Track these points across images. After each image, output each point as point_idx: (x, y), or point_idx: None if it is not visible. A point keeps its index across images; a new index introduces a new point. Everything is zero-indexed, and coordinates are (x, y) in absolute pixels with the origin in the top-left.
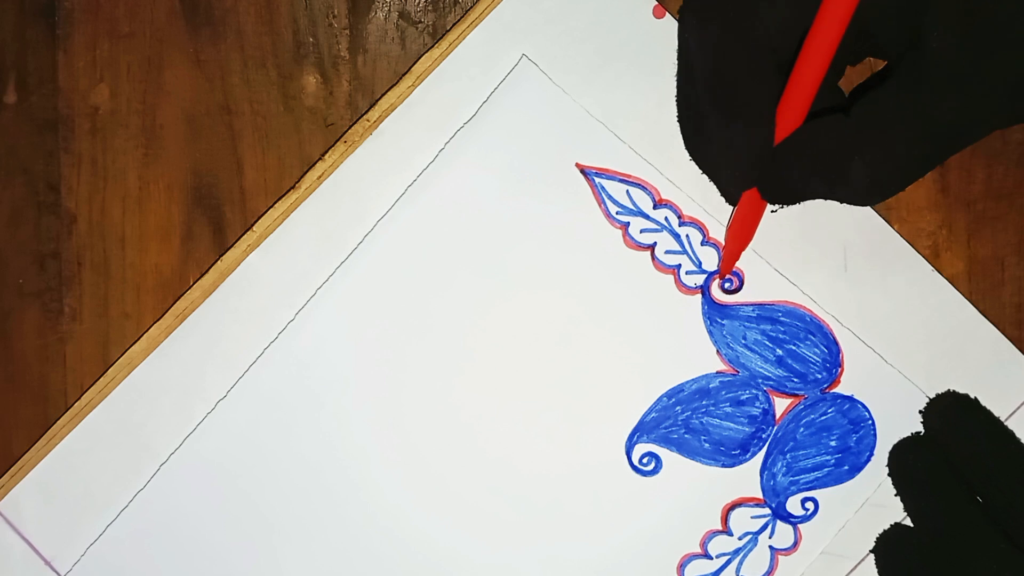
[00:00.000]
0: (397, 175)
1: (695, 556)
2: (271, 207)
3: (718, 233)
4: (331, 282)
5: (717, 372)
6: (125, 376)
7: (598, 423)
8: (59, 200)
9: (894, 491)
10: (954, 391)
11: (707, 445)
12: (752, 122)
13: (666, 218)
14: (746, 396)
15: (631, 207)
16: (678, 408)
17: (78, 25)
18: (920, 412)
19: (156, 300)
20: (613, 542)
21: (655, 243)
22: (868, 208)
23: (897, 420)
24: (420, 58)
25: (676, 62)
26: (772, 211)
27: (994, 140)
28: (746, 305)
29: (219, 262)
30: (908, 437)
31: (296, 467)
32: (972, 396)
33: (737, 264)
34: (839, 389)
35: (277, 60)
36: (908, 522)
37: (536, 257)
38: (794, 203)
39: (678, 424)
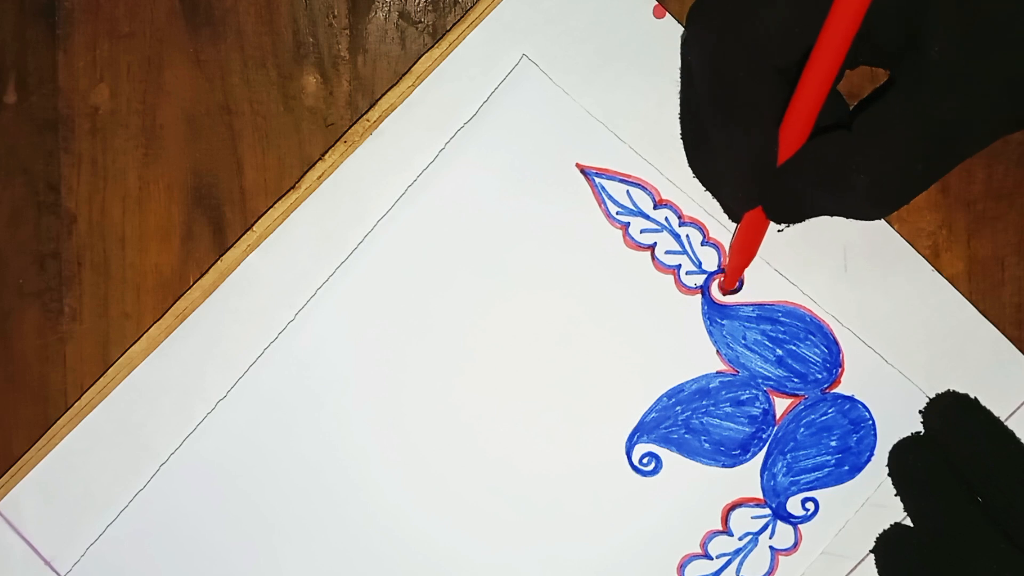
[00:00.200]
0: (397, 175)
1: (695, 556)
2: (271, 207)
3: (718, 233)
4: (331, 282)
5: (717, 372)
6: (125, 376)
7: (598, 423)
8: (59, 200)
9: (894, 491)
10: (954, 391)
11: (707, 445)
12: (756, 137)
13: (666, 218)
14: (746, 396)
15: (631, 207)
16: (678, 408)
17: (78, 25)
18: (920, 412)
19: (156, 300)
20: (613, 542)
21: (655, 243)
22: None
23: (897, 420)
24: (420, 58)
25: (678, 62)
26: (779, 230)
27: None
28: (746, 305)
29: (219, 262)
30: (908, 437)
31: (296, 467)
32: (972, 396)
33: None
34: (839, 389)
35: (277, 60)
36: (908, 522)
37: (536, 257)
38: (799, 222)
39: (678, 424)
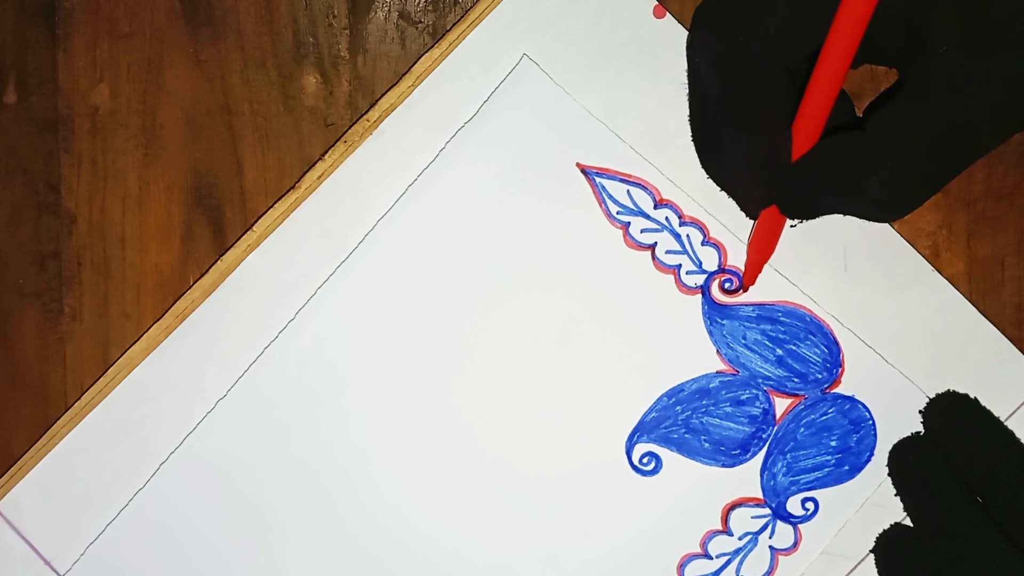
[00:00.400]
0: (397, 175)
1: (695, 556)
2: (271, 207)
3: (719, 233)
4: (331, 282)
5: (717, 372)
6: (125, 376)
7: (598, 423)
8: (59, 200)
9: (894, 491)
10: (954, 391)
11: (707, 445)
12: (768, 136)
13: (667, 218)
14: (746, 396)
15: (632, 207)
16: (678, 408)
17: (78, 25)
18: (920, 412)
19: (156, 300)
20: (613, 542)
21: (655, 243)
22: None
23: (897, 420)
24: (420, 58)
25: (679, 61)
26: (791, 226)
27: None
28: (746, 305)
29: (219, 262)
30: (908, 437)
31: (296, 467)
32: (972, 396)
33: (737, 264)
34: (839, 389)
35: (277, 60)
36: (908, 522)
37: (536, 257)
38: (813, 218)
39: (678, 424)
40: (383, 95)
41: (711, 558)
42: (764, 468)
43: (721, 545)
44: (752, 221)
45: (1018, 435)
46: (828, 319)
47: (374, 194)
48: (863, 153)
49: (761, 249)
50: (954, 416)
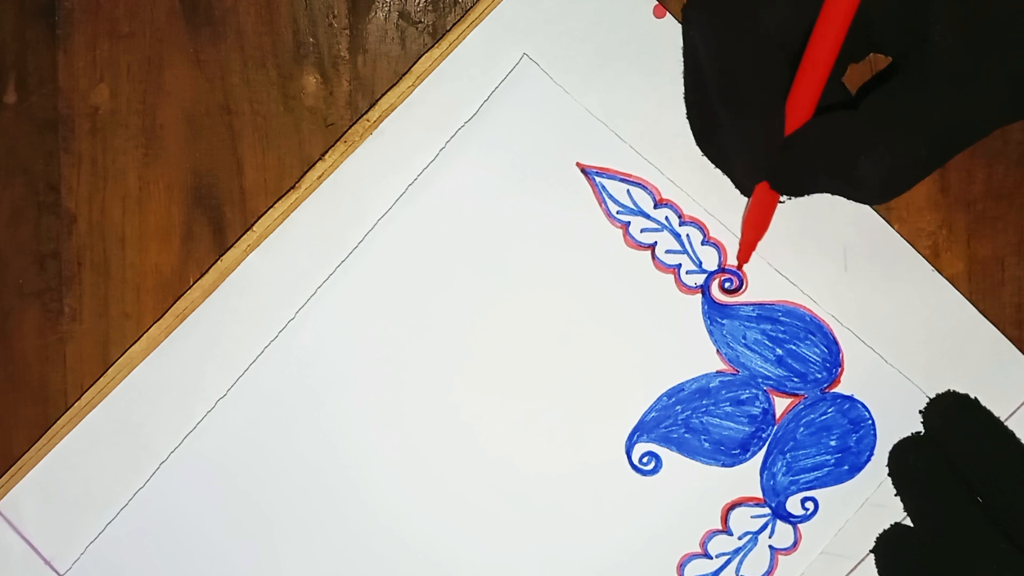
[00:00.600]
0: (397, 175)
1: (695, 556)
2: (271, 207)
3: (718, 233)
4: (331, 282)
5: (717, 372)
6: (125, 376)
7: (598, 423)
8: (59, 200)
9: (894, 491)
10: (954, 391)
11: (707, 445)
12: (762, 113)
13: (667, 218)
14: (746, 396)
15: (632, 206)
16: (678, 408)
17: (78, 25)
18: (920, 412)
19: (156, 300)
20: (613, 542)
21: (655, 243)
22: (868, 208)
23: (897, 420)
24: (420, 58)
25: (679, 61)
26: (781, 202)
27: (994, 140)
28: (746, 305)
29: (219, 262)
30: (908, 437)
31: (296, 467)
32: (972, 396)
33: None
34: (839, 389)
35: (277, 60)
36: (908, 522)
37: (536, 257)
38: (803, 195)
39: (678, 424)
40: (383, 95)
41: (711, 558)
42: (764, 468)
43: (721, 545)
44: (746, 199)
45: (1018, 435)
46: (828, 319)
47: (374, 194)
48: (854, 133)
49: (755, 227)
50: (954, 416)
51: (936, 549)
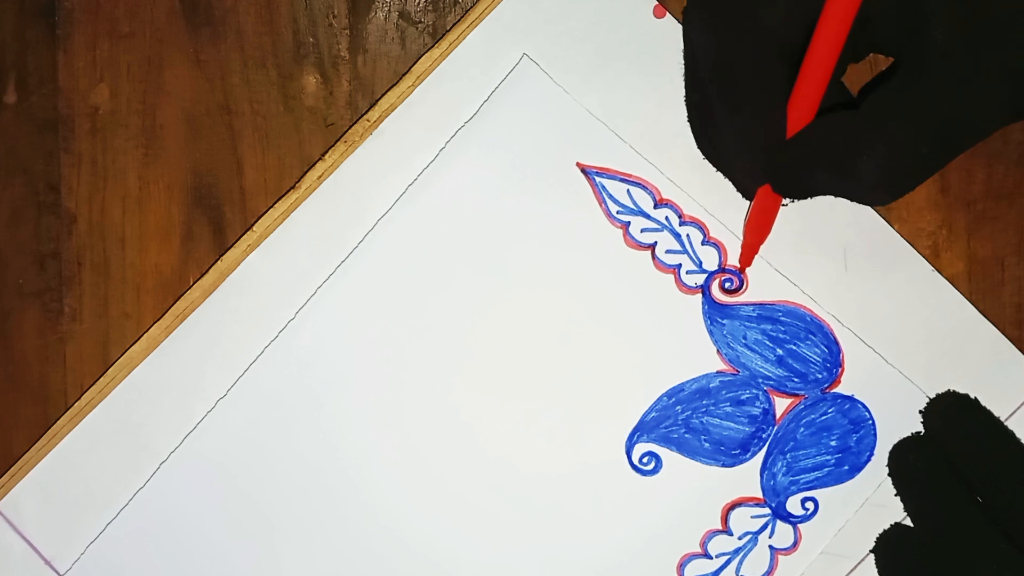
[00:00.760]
0: (397, 175)
1: (695, 556)
2: (271, 207)
3: (718, 233)
4: (331, 282)
5: (717, 372)
6: (125, 376)
7: (598, 423)
8: (59, 200)
9: (894, 491)
10: (954, 391)
11: (707, 445)
12: (762, 112)
13: (667, 217)
14: (746, 396)
15: (632, 206)
16: (678, 408)
17: (78, 25)
18: (920, 412)
19: (156, 300)
20: (613, 542)
21: (655, 243)
22: (868, 208)
23: (897, 420)
24: (420, 58)
25: (679, 61)
26: (784, 204)
27: (994, 140)
28: (746, 305)
29: (219, 262)
30: (908, 437)
31: (296, 467)
32: (972, 396)
33: (737, 264)
34: (839, 389)
35: (277, 60)
36: (908, 522)
37: (536, 257)
38: (805, 197)
39: (678, 424)
40: (383, 95)
41: (711, 558)
42: (764, 468)
43: (721, 545)
44: (748, 202)
45: (1018, 435)
46: (828, 319)
47: (374, 194)
48: (856, 133)
49: (757, 230)
50: (954, 416)
51: (936, 549)
